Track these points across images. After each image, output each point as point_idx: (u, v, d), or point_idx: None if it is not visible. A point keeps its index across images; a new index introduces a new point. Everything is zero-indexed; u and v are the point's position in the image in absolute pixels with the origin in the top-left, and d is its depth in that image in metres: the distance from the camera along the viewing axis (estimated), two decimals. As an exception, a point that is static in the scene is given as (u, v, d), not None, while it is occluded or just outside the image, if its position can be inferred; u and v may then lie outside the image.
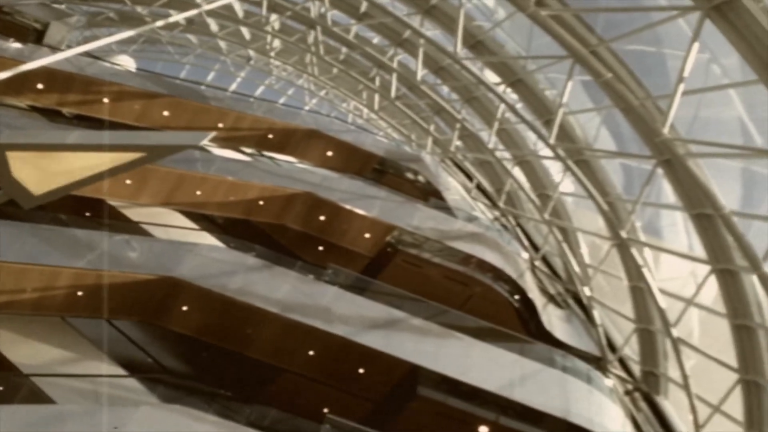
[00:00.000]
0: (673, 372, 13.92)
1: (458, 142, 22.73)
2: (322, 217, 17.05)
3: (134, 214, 16.67)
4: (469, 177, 23.20)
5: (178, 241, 14.40)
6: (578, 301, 16.59)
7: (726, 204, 11.77)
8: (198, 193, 17.06)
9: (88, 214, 15.40)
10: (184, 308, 12.80)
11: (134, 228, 15.47)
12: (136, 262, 13.40)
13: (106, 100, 20.35)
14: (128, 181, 16.78)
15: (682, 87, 10.86)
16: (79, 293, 12.54)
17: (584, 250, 17.53)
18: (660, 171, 13.46)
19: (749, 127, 12.96)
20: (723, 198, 11.98)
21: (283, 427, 10.88)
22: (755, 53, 9.18)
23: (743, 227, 12.00)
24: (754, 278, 12.34)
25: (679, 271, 16.26)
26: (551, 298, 16.29)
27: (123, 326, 13.24)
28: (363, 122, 29.70)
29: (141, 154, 3.64)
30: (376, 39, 24.17)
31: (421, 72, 19.62)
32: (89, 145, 3.65)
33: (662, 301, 13.88)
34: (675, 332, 13.53)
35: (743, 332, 13.14)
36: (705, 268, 13.45)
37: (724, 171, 14.00)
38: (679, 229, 16.35)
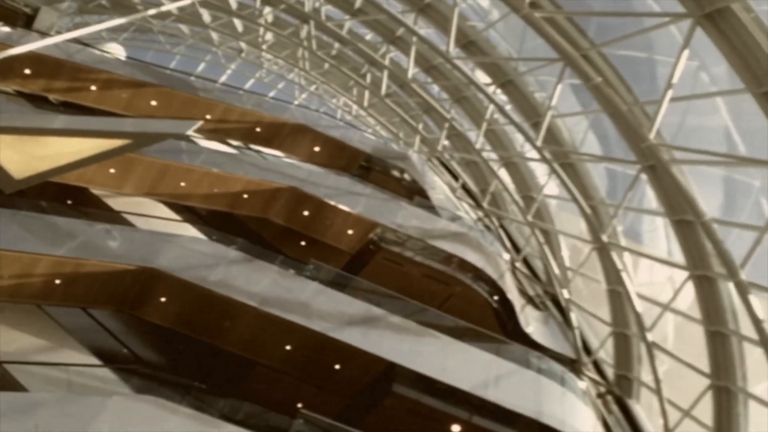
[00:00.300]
0: (646, 376, 14.05)
1: (446, 142, 22.75)
2: (306, 213, 17.00)
3: (116, 203, 16.52)
4: (455, 177, 23.24)
5: (159, 231, 14.29)
6: (556, 303, 16.69)
7: (707, 211, 11.88)
8: (182, 184, 16.94)
9: (69, 201, 15.23)
10: (163, 299, 12.72)
11: (116, 217, 15.33)
12: (116, 251, 13.28)
13: (93, 87, 20.14)
14: (112, 170, 16.62)
15: (670, 93, 10.93)
16: (57, 281, 12.41)
17: (565, 252, 17.64)
18: (644, 176, 13.56)
19: (734, 136, 13.08)
20: (704, 205, 12.09)
21: (256, 421, 10.84)
22: (744, 62, 9.28)
23: (723, 234, 12.11)
24: (731, 285, 12.47)
25: (657, 276, 16.40)
26: (530, 300, 16.38)
27: (99, 316, 13.13)
28: (352, 119, 29.65)
29: (126, 141, 3.57)
30: (369, 36, 24.13)
31: (412, 70, 19.61)
32: (74, 131, 3.56)
33: (639, 305, 14.00)
34: (650, 336, 13.65)
35: (717, 338, 13.28)
36: (683, 274, 13.58)
37: (707, 178, 14.12)
38: (659, 234, 16.48)
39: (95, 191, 16.61)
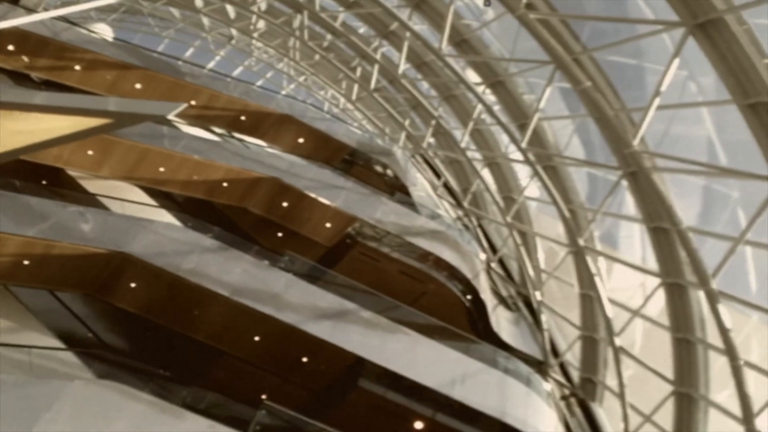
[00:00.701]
0: (611, 380, 14.16)
1: (431, 139, 22.70)
2: (285, 204, 16.89)
3: (92, 186, 16.30)
4: (438, 175, 23.20)
5: (134, 216, 14.11)
6: (528, 305, 16.75)
7: (684, 220, 11.95)
8: (161, 169, 16.75)
9: (44, 182, 15.00)
10: (132, 285, 12.59)
11: (90, 200, 15.13)
12: (88, 234, 13.11)
13: (78, 67, 19.84)
14: (90, 152, 16.40)
15: (657, 101, 10.95)
16: (26, 262, 12.23)
17: (541, 255, 17.71)
18: (624, 183, 13.62)
19: (716, 147, 13.15)
20: (682, 214, 12.15)
21: (219, 411, 10.78)
22: (732, 74, 9.34)
23: (697, 243, 12.19)
24: (701, 294, 12.57)
25: (629, 281, 16.52)
26: (502, 300, 16.42)
27: (66, 299, 12.96)
28: (339, 112, 29.48)
29: (107, 121, 3.47)
30: (362, 29, 23.95)
31: (403, 66, 19.52)
32: (54, 107, 3.44)
33: (609, 310, 14.08)
34: (618, 341, 13.74)
35: (683, 346, 13.41)
36: (655, 281, 13.68)
37: (687, 187, 14.22)
38: (635, 241, 16.59)
39: (72, 173, 16.37)
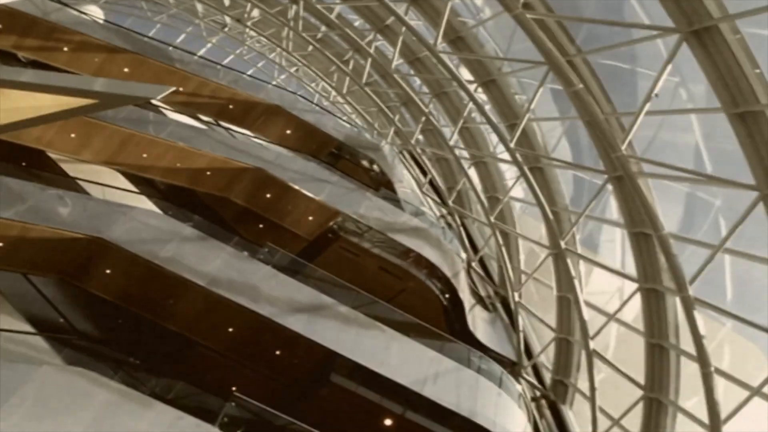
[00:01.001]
0: (583, 384, 14.23)
1: (420, 136, 22.62)
2: (268, 195, 16.76)
3: (73, 169, 16.08)
4: (424, 172, 23.15)
5: (113, 202, 13.94)
6: (506, 305, 16.77)
7: (666, 226, 11.98)
8: (144, 155, 16.56)
9: (24, 164, 14.78)
10: (108, 271, 12.45)
11: (70, 184, 14.92)
12: (66, 218, 12.93)
13: (66, 49, 19.54)
14: (72, 135, 16.18)
15: (647, 106, 10.94)
16: (0, 244, 12.05)
17: (522, 256, 17.73)
18: (609, 187, 13.63)
19: (703, 155, 13.19)
20: (664, 220, 12.19)
21: (187, 401, 10.70)
22: (723, 82, 9.37)
23: (677, 249, 12.23)
24: (678, 300, 12.62)
25: (607, 286, 16.59)
26: (480, 300, 16.42)
27: (39, 282, 12.79)
28: (328, 104, 29.30)
29: (92, 101, 3.36)
30: (357, 22, 23.79)
31: (396, 60, 19.39)
32: (39, 85, 3.32)
33: (586, 313, 14.13)
34: (592, 345, 13.79)
35: (656, 351, 13.50)
36: (633, 286, 13.74)
37: (670, 194, 14.27)
38: (615, 245, 16.65)
39: (53, 155, 16.13)
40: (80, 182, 14.88)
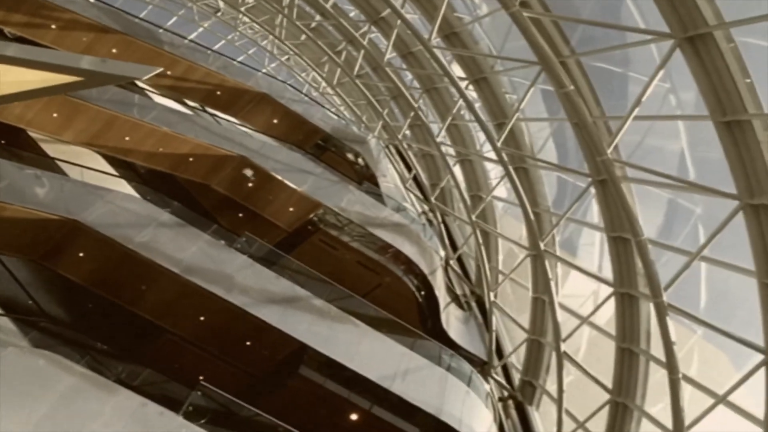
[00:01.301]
0: (551, 385, 14.30)
1: (407, 131, 22.50)
2: (250, 184, 16.63)
3: (52, 149, 15.84)
4: (409, 167, 23.07)
5: (92, 184, 13.75)
6: (481, 304, 16.80)
7: (645, 231, 12.01)
8: (127, 138, 16.35)
9: (2, 142, 14.54)
10: (81, 254, 12.30)
11: (49, 164, 14.70)
12: (42, 199, 12.74)
13: (54, 26, 19.22)
14: (55, 114, 15.94)
15: (636, 111, 10.92)
16: (-28, 223, 11.87)
17: (500, 256, 17.74)
18: (592, 190, 13.62)
19: (687, 162, 13.22)
20: (644, 225, 12.22)
21: (153, 389, 10.63)
22: (713, 90, 9.35)
23: (655, 255, 12.27)
24: (651, 306, 12.67)
25: (583, 289, 16.65)
26: (455, 298, 16.43)
27: (8, 263, 12.62)
28: (318, 95, 29.08)
29: (77, 78, 3.26)
30: (352, 13, 23.55)
31: (389, 54, 19.23)
32: (25, 60, 3.22)
33: (559, 315, 14.16)
34: (563, 347, 13.85)
35: (626, 356, 13.57)
36: (608, 290, 13.78)
37: (652, 199, 14.31)
38: (594, 249, 16.69)
39: (33, 134, 15.88)
40: (59, 163, 14.66)
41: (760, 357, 9.98)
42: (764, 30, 9.31)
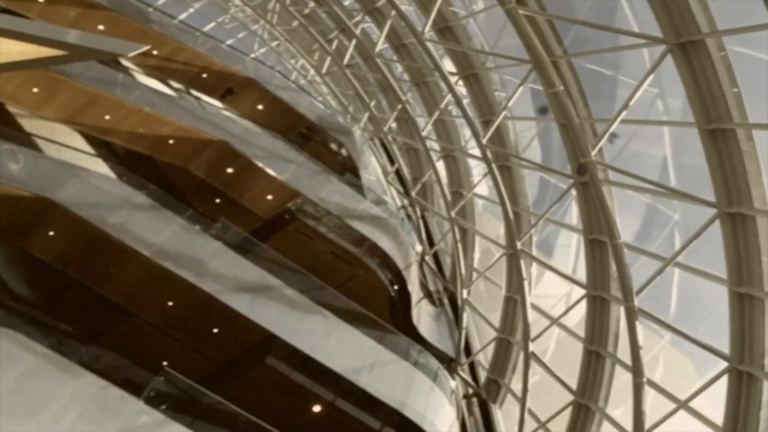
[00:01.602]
0: (516, 385, 14.36)
1: (393, 124, 22.34)
2: (230, 170, 16.43)
3: (30, 125, 15.53)
4: (392, 160, 22.94)
5: (68, 162, 13.51)
6: (453, 302, 16.79)
7: (622, 235, 12.00)
8: (107, 117, 16.07)
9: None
10: (52, 233, 12.09)
11: (25, 140, 14.40)
12: (16, 175, 12.50)
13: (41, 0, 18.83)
14: (35, 89, 15.62)
15: (624, 114, 10.89)
16: (-59, 196, 11.61)
17: (476, 254, 17.74)
18: (573, 192, 13.60)
19: (669, 168, 13.23)
20: (621, 229, 12.22)
21: (116, 372, 10.52)
22: (700, 97, 9.35)
23: (630, 260, 12.29)
24: (621, 310, 12.72)
25: (555, 290, 16.70)
26: (428, 294, 16.42)
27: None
28: (305, 83, 28.78)
29: (61, 52, 3.11)
30: (347, 1, 23.26)
31: (381, 44, 19.01)
32: (7, 30, 3.07)
33: (530, 315, 14.19)
34: (531, 347, 13.89)
35: (593, 358, 13.65)
36: (581, 292, 13.81)
37: (631, 204, 14.34)
38: (570, 250, 16.73)
39: (12, 109, 15.55)
40: (36, 139, 14.36)
41: (725, 365, 10.07)
42: (758, 41, 9.31)
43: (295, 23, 25.25)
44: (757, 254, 9.91)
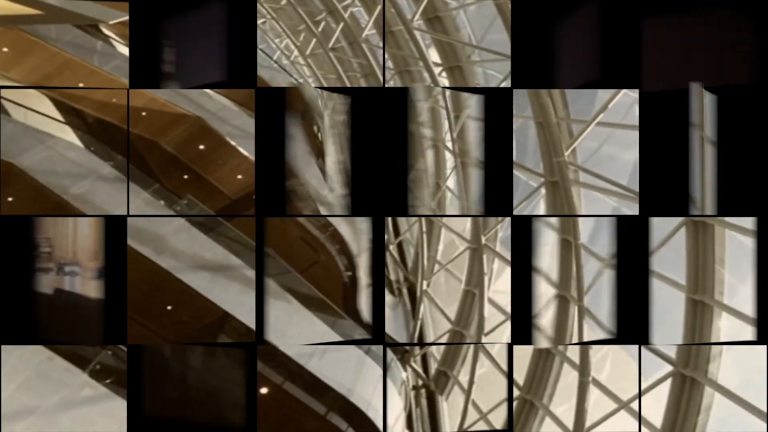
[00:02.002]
0: (464, 377, 14.53)
1: (373, 111, 22.06)
2: (201, 147, 16.13)
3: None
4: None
5: (33, 127, 13.12)
6: (412, 292, 16.85)
7: (582, 236, 12.07)
8: (81, 84, 15.60)
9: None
10: (9, 199, 11.79)
11: (-9, 102, 13.91)
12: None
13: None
14: (5, 49, 15.08)
15: (601, 117, 10.86)
16: None
17: (441, 246, 17.77)
18: (543, 191, 13.61)
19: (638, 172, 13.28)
20: (584, 231, 12.29)
21: (65, 345, 10.36)
22: None
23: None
24: (575, 309, 12.85)
25: (514, 287, 16.79)
26: (388, 284, 16.42)
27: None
28: (288, 64, 28.29)
29: (37, 12, 2.86)
30: (339, -18, 22.67)
31: (369, 30, 18.70)
32: None
33: (486, 310, 14.30)
34: (484, 340, 14.03)
35: (543, 355, 13.83)
36: (539, 289, 13.88)
37: (598, 205, 14.41)
38: (536, 247, 16.76)
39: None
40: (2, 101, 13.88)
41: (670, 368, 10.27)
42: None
43: (284, 1, 24.69)
44: (711, 263, 10.05)
